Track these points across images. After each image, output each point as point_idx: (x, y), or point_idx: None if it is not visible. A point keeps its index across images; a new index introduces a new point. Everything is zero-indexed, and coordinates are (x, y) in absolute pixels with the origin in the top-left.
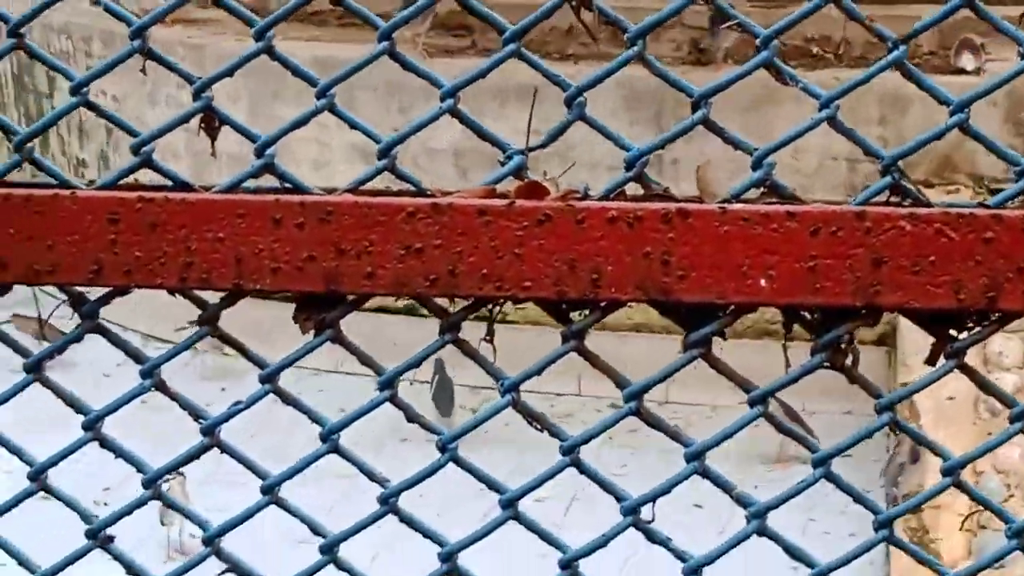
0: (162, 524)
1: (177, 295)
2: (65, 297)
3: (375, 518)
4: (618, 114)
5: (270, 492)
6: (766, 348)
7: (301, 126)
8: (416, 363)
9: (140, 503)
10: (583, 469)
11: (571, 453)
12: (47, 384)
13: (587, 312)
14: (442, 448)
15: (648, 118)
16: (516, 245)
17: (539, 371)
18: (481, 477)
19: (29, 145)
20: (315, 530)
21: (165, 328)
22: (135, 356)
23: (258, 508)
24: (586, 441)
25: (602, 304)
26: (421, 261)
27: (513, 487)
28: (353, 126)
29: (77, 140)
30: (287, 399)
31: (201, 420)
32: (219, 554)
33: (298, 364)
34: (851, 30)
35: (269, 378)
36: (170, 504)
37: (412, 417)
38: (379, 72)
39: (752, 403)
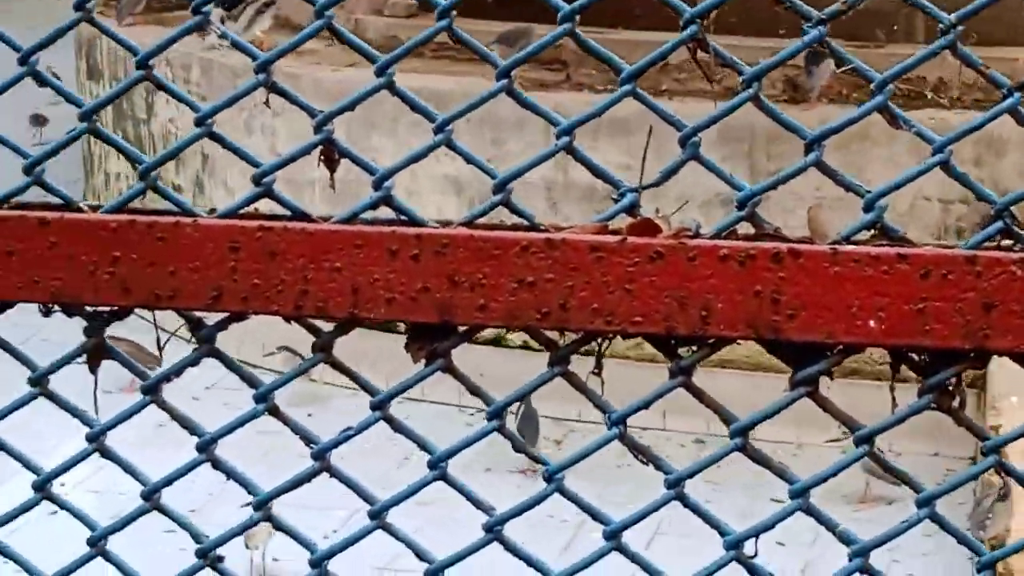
0: (247, 547)
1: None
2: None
3: (480, 545)
4: (710, 149)
5: (378, 517)
6: (851, 386)
7: (419, 160)
8: (525, 394)
9: (250, 524)
10: (687, 503)
11: (676, 486)
12: (163, 406)
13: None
14: (548, 478)
15: (740, 154)
16: (627, 281)
17: (646, 405)
18: (585, 508)
19: (153, 173)
20: (420, 555)
21: (253, 352)
22: (250, 381)
23: (365, 533)
24: (692, 475)
25: (711, 341)
26: (533, 294)
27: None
28: (469, 160)
29: (173, 166)
30: (397, 426)
31: (312, 445)
32: None
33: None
34: (946, 70)
35: (380, 405)
36: (279, 526)
37: (519, 447)
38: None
39: (858, 442)
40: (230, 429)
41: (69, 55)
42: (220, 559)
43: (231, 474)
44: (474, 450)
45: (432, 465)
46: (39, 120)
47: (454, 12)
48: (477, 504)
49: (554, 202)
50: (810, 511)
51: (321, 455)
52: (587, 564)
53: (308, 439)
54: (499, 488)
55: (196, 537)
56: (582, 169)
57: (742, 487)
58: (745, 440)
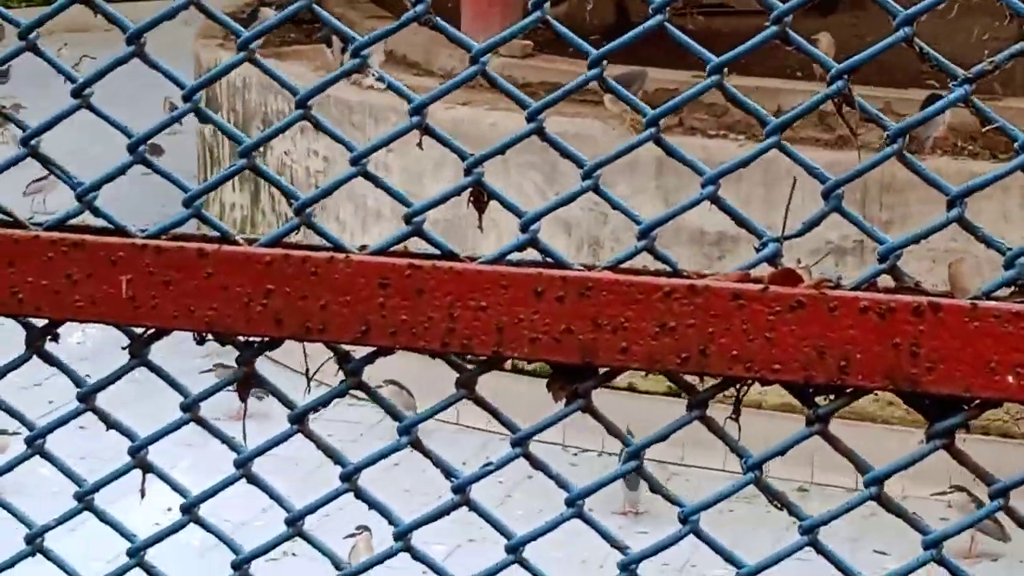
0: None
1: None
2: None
3: None
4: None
5: (514, 552)
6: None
7: (566, 204)
8: (663, 437)
9: (388, 555)
10: (820, 549)
11: (810, 533)
12: (311, 436)
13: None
14: (683, 520)
15: (854, 203)
16: (768, 329)
17: (783, 451)
18: (720, 550)
19: (309, 210)
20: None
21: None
22: (393, 414)
23: (503, 566)
24: (826, 522)
25: (848, 391)
26: (674, 339)
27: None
28: (615, 207)
29: (285, 200)
30: (535, 463)
31: (453, 478)
32: None
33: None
34: None
35: (520, 442)
36: (422, 559)
37: (654, 487)
38: (588, 149)
39: (993, 496)
40: (373, 460)
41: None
42: None
43: (372, 503)
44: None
45: (569, 503)
46: (156, 150)
47: (606, 62)
48: (611, 541)
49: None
50: (942, 562)
51: (461, 489)
52: None
53: (449, 472)
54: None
55: (336, 565)
56: (691, 212)
57: (847, 539)
58: (880, 489)
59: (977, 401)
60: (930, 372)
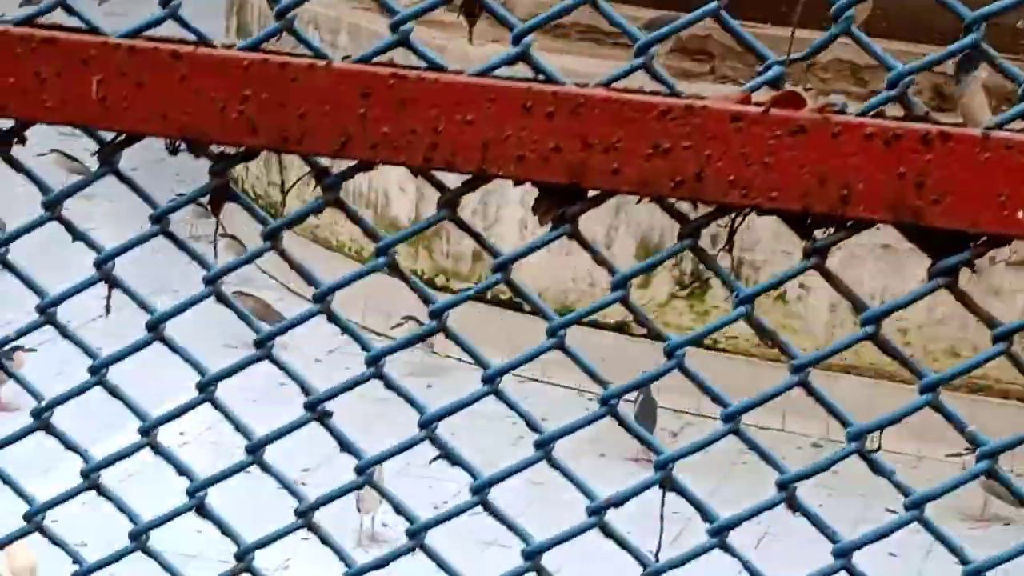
0: (358, 511)
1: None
2: (308, 169)
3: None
4: None
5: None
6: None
7: (561, 16)
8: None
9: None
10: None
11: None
12: (283, 254)
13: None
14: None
15: None
16: (767, 154)
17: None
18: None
19: (290, 15)
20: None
21: (378, 321)
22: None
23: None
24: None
25: (848, 223)
26: (668, 161)
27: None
28: (613, 23)
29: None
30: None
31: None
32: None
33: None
34: None
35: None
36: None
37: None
38: None
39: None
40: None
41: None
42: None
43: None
44: (589, 434)
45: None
46: None
47: None
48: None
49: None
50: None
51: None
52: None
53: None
54: (610, 474)
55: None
56: None
57: (858, 495)
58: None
59: (984, 238)
60: (936, 205)
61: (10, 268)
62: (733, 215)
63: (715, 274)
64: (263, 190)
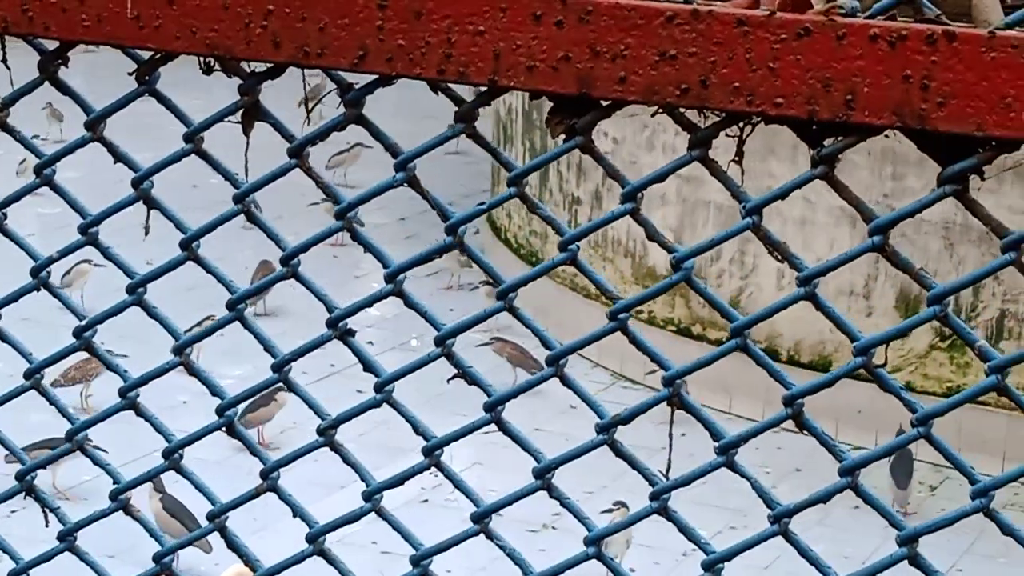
0: None
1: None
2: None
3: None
4: None
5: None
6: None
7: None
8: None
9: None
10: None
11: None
12: (309, 172)
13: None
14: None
15: None
16: (771, 59)
17: (782, 196)
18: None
19: None
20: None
21: (635, 369)
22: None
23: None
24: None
25: (854, 129)
26: (674, 68)
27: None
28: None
29: (575, 178)
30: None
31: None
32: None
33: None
34: None
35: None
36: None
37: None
38: (876, 139)
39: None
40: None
41: None
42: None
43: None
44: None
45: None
46: None
47: None
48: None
49: (951, 243)
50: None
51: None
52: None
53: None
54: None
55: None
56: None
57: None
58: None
59: (992, 143)
60: (941, 108)
61: (57, 191)
62: (741, 124)
63: (724, 185)
64: (524, 239)
